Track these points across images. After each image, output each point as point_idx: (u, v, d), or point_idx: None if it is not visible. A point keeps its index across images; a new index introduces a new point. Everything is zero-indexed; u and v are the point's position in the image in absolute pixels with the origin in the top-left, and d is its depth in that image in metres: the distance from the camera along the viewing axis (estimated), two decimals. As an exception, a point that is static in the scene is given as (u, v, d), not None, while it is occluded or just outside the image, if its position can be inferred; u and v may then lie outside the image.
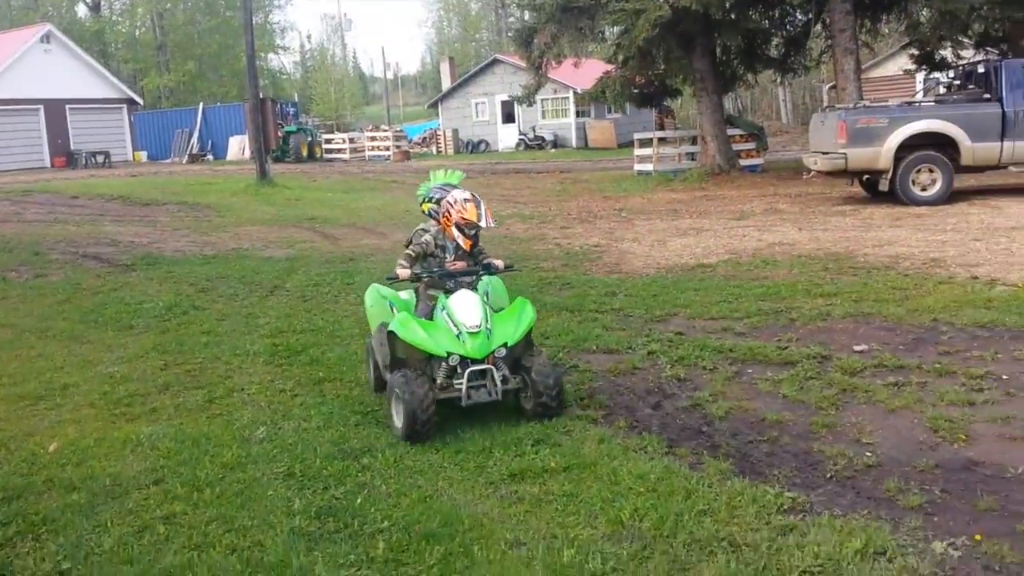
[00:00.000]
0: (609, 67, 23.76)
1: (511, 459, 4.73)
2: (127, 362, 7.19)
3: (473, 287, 5.55)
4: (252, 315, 8.76)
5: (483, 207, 5.50)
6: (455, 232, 5.56)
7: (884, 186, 14.39)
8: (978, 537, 3.63)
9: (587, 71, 27.57)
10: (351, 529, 4.00)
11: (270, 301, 9.47)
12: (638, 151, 22.90)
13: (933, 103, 15.22)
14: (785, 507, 3.99)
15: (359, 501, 4.28)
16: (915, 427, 4.94)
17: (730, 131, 21.86)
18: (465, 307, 5.29)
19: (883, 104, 15.36)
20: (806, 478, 4.36)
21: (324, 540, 3.91)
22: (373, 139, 40.01)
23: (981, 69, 14.97)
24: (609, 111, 39.20)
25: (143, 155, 41.51)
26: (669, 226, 13.84)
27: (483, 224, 5.51)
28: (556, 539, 3.81)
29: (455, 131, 42.66)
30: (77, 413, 5.96)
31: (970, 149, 13.94)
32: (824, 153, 14.85)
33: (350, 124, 61.60)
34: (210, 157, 41.29)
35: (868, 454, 4.58)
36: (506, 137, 41.98)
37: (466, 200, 5.48)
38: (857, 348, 6.48)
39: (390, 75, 79.23)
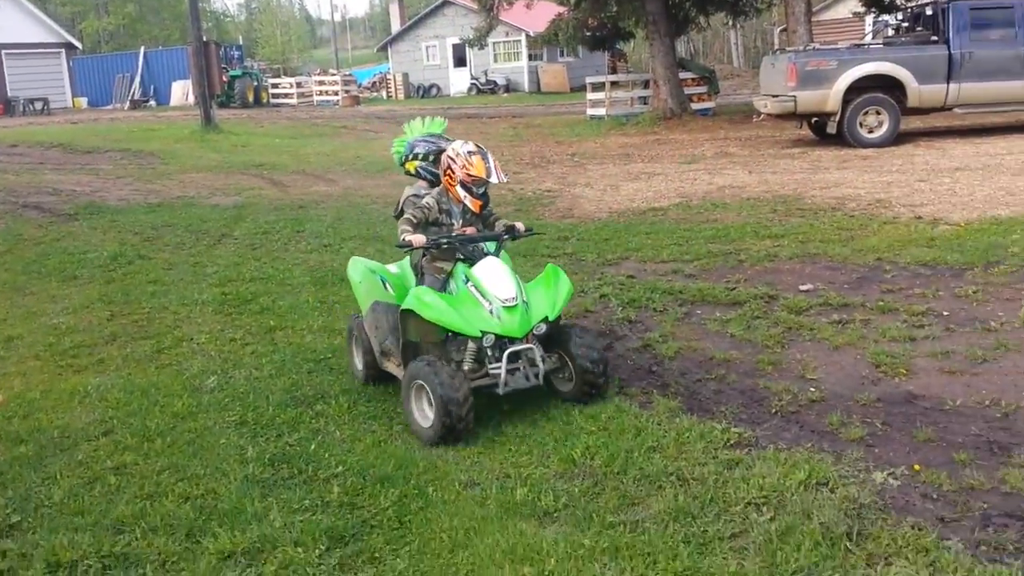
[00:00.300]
0: (561, 9, 23.48)
1: (464, 402, 4.76)
2: (72, 313, 7.07)
3: (498, 254, 4.76)
4: (200, 264, 8.63)
5: (491, 160, 4.68)
6: (460, 192, 4.70)
7: (832, 128, 14.53)
8: (917, 467, 3.75)
9: (539, 13, 27.21)
10: (305, 475, 4.01)
11: (218, 250, 9.32)
12: (591, 95, 22.78)
13: (881, 45, 15.34)
14: (731, 442, 4.09)
15: (313, 447, 4.28)
16: (858, 363, 5.07)
17: (682, 75, 21.82)
18: (496, 277, 4.53)
19: (833, 47, 15.42)
20: (752, 414, 4.47)
21: (278, 486, 3.92)
22: (321, 84, 39.25)
23: (929, 11, 15.08)
24: (562, 54, 38.85)
25: (83, 101, 40.25)
26: (621, 170, 13.86)
27: (493, 180, 4.66)
28: (509, 478, 3.87)
29: (405, 75, 42.01)
30: (22, 365, 5.86)
31: (916, 91, 14.10)
32: (774, 96, 14.92)
33: (297, 68, 60.33)
34: (153, 103, 40.17)
35: (812, 389, 4.70)
36: (458, 81, 41.46)
37: (471, 153, 4.65)
38: (803, 288, 6.60)
39: (338, 17, 77.61)
